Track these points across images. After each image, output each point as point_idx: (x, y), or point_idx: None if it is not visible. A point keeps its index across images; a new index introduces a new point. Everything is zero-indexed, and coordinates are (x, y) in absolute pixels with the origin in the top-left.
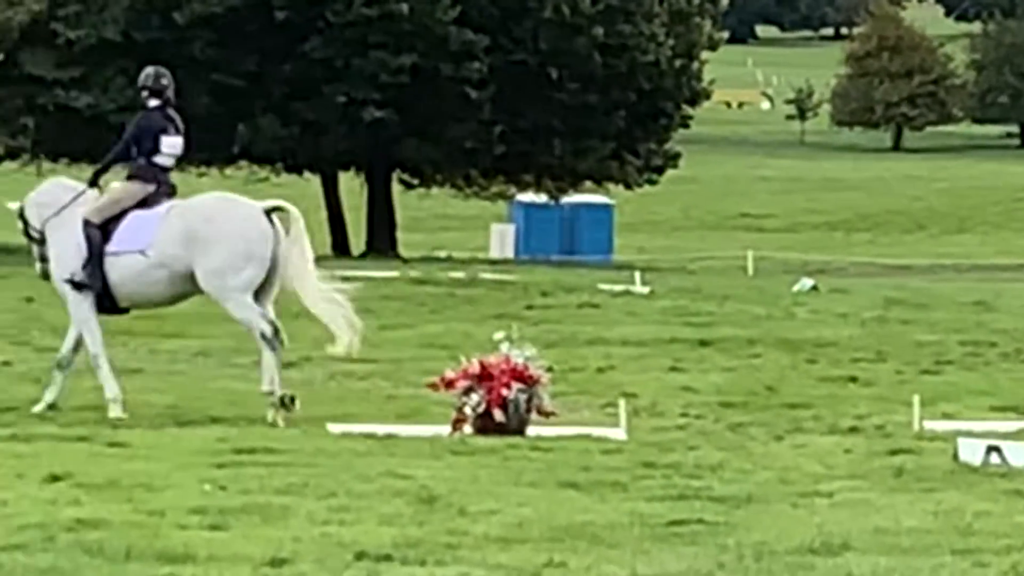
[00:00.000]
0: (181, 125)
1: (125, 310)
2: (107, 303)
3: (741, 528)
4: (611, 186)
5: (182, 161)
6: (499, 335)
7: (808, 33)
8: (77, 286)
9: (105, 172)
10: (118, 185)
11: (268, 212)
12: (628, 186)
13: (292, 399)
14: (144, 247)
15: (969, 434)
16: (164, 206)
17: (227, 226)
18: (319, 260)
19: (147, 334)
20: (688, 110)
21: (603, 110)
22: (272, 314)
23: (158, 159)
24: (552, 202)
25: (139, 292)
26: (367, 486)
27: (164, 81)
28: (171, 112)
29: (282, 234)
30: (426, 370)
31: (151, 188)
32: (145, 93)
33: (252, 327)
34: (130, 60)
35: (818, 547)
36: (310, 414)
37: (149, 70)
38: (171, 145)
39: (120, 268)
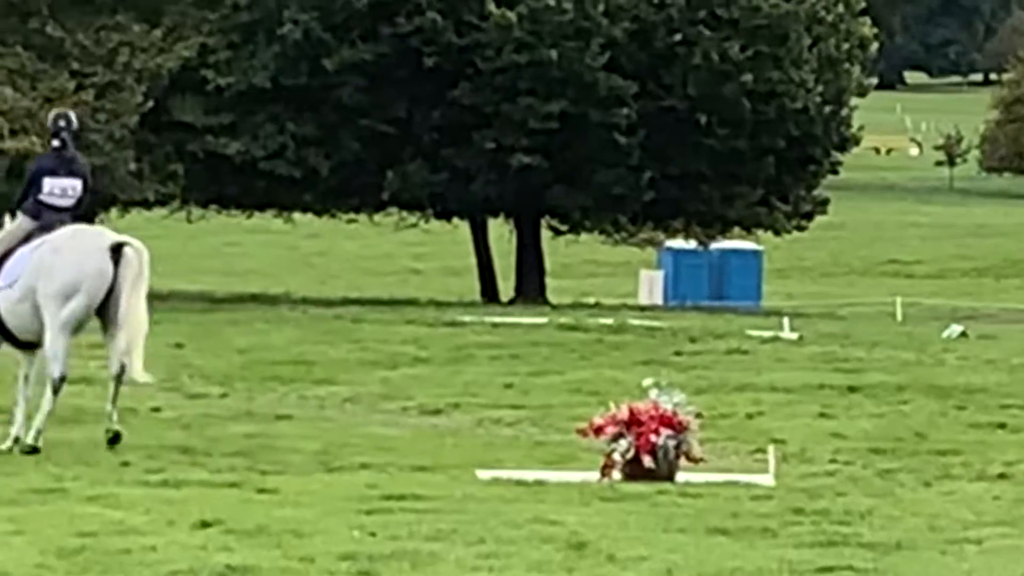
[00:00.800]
0: (78, 166)
1: (28, 344)
2: (9, 337)
3: (890, 574)
4: (760, 232)
5: (334, 207)
6: (648, 381)
7: (957, 79)
8: None
9: (13, 211)
10: (7, 224)
11: (116, 247)
12: (777, 232)
13: (34, 450)
14: (11, 282)
15: None
16: (35, 242)
17: (69, 256)
18: (470, 306)
19: (296, 380)
20: (837, 156)
21: (752, 156)
22: (121, 347)
23: (43, 198)
24: (701, 248)
25: (20, 326)
26: (516, 532)
27: (61, 123)
28: (66, 153)
29: (122, 270)
30: (575, 416)
31: (34, 224)
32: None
33: (49, 363)
34: (280, 106)
35: None
36: (459, 460)
37: (52, 113)
38: (56, 186)
39: (1, 302)
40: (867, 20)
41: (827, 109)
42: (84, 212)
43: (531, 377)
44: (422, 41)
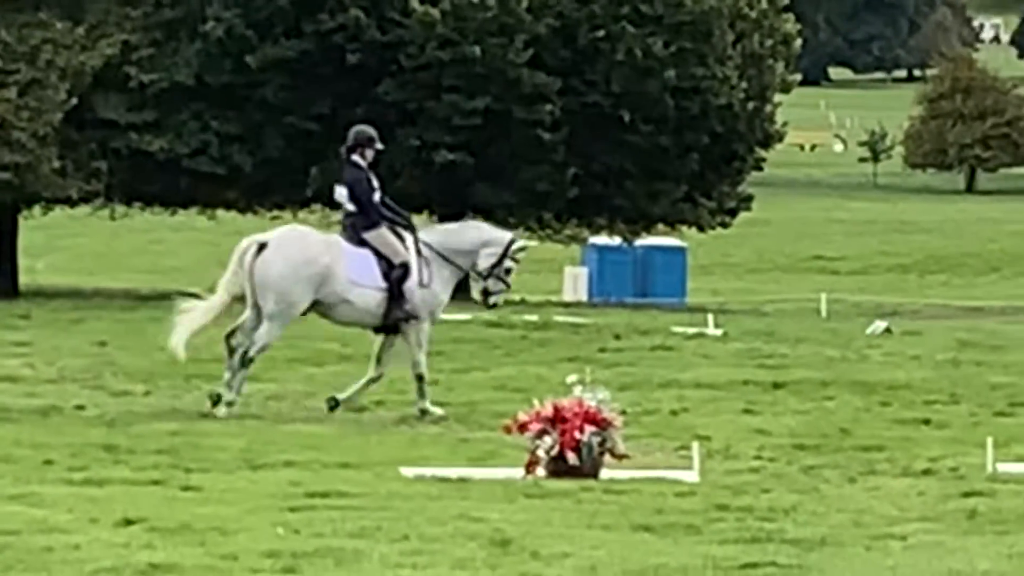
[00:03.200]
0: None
1: None
2: None
3: (815, 571)
4: (684, 229)
5: (258, 204)
6: (572, 378)
7: (881, 75)
8: None
9: None
10: None
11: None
12: (701, 229)
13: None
14: None
15: None
16: None
17: None
18: None
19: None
20: (761, 152)
21: (676, 153)
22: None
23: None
24: (625, 245)
25: None
26: (440, 529)
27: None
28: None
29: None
30: (499, 413)
31: None
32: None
33: None
34: (203, 104)
35: None
36: (383, 458)
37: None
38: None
39: None
40: (791, 16)
41: (751, 105)
42: None
43: (456, 374)
44: (345, 38)
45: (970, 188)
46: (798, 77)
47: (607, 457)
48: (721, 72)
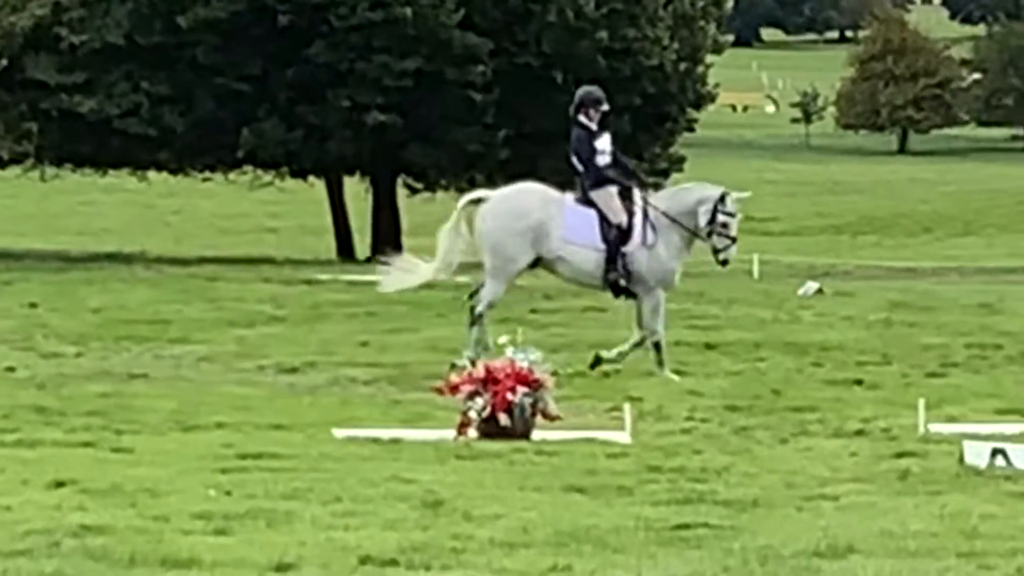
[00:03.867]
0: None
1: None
2: None
3: (746, 532)
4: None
5: (189, 166)
6: (504, 339)
7: (813, 36)
8: None
9: None
10: None
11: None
12: None
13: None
14: None
15: (974, 437)
16: None
17: None
18: (326, 265)
19: (152, 339)
20: (693, 113)
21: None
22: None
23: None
24: None
25: None
26: (372, 491)
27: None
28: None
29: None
30: (431, 374)
31: None
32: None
33: None
34: (134, 64)
35: (823, 550)
36: (315, 419)
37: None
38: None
39: None
40: None
41: (683, 67)
42: None
43: (387, 335)
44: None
45: (902, 149)
46: (730, 38)
47: (539, 418)
48: (652, 33)
